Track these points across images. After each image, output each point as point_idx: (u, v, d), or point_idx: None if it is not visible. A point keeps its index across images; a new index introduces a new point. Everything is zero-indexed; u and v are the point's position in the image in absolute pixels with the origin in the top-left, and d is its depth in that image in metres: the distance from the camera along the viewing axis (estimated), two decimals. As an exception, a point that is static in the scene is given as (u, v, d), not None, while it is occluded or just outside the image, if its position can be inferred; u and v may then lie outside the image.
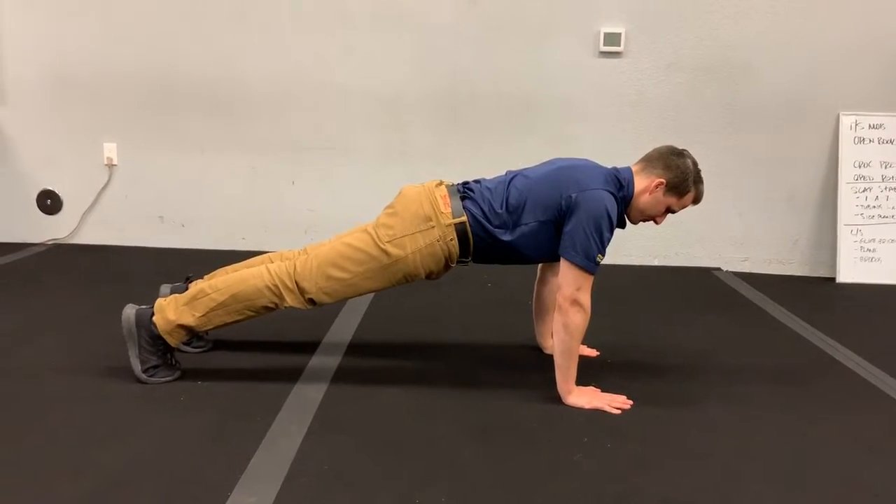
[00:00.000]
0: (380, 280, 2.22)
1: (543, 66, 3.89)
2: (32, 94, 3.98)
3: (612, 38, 3.83)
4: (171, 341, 2.20)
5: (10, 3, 3.90)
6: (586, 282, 2.13)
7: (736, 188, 3.98)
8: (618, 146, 3.83)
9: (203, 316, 2.19)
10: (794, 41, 3.83)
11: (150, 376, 2.21)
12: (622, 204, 2.22)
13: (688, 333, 2.93)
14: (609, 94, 3.92)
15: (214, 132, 4.01)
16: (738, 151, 3.95)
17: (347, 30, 3.89)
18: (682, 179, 2.20)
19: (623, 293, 3.49)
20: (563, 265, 2.15)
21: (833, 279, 3.92)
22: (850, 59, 3.83)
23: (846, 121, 3.89)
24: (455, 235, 2.18)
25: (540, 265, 2.55)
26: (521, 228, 2.20)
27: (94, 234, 4.11)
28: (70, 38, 3.92)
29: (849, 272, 3.89)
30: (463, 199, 2.23)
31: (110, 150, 4.02)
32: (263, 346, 2.56)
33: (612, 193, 2.16)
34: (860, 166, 3.91)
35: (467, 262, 2.29)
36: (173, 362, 2.27)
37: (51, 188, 4.08)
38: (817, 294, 3.68)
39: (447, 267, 2.27)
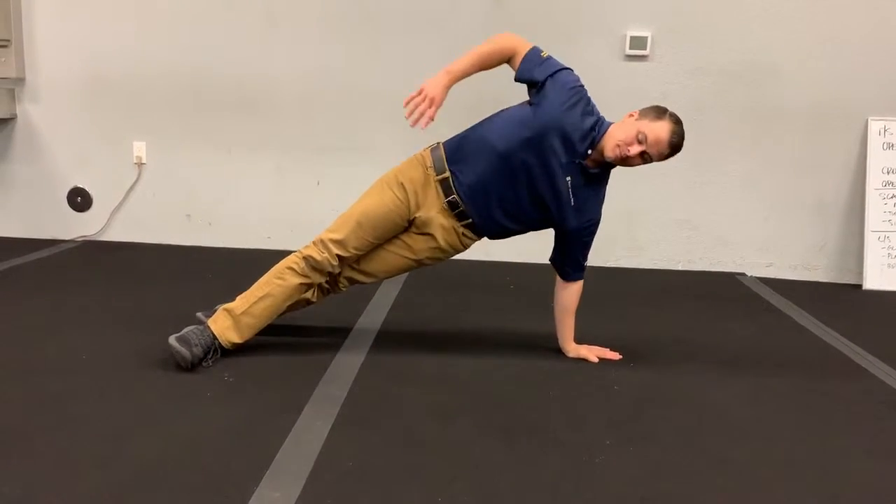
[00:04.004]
0: (372, 197, 2.44)
1: (569, 69, 3.88)
2: (65, 93, 4.06)
3: (638, 42, 3.83)
4: (215, 328, 2.38)
5: (44, 3, 3.98)
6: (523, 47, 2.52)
7: (761, 193, 3.95)
8: (642, 150, 3.81)
9: (243, 298, 2.42)
10: (822, 45, 3.79)
11: (186, 346, 2.30)
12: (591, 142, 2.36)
13: (711, 338, 2.91)
14: (635, 98, 3.87)
15: (242, 132, 4.05)
16: (764, 156, 3.92)
17: (374, 32, 3.92)
18: (653, 108, 2.34)
19: (646, 298, 3.48)
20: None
21: (860, 286, 3.88)
22: (880, 63, 3.79)
23: (875, 126, 3.85)
24: (430, 152, 2.48)
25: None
26: (489, 122, 2.50)
27: (122, 232, 4.18)
28: (102, 39, 3.99)
29: (876, 279, 3.85)
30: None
31: (140, 148, 4.08)
32: (288, 343, 2.58)
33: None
34: (888, 172, 3.87)
35: (451, 188, 2.40)
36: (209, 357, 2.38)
37: (81, 186, 4.15)
38: (843, 301, 3.65)
39: (429, 183, 2.41)
